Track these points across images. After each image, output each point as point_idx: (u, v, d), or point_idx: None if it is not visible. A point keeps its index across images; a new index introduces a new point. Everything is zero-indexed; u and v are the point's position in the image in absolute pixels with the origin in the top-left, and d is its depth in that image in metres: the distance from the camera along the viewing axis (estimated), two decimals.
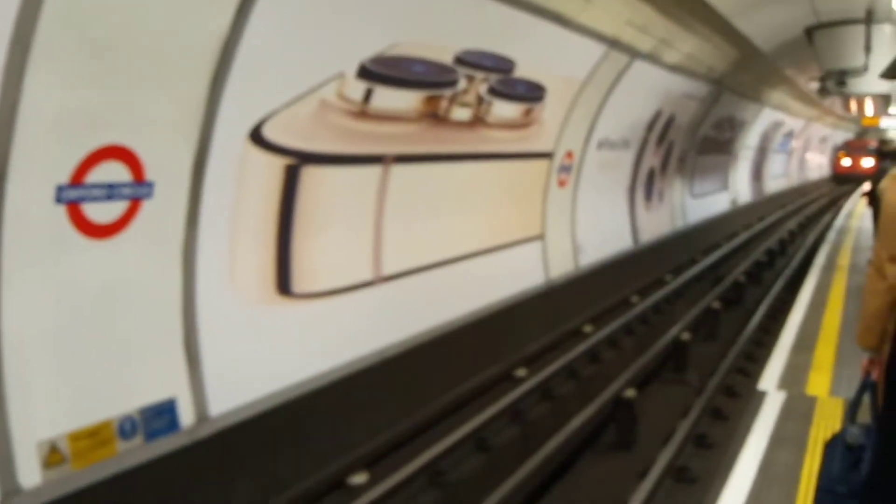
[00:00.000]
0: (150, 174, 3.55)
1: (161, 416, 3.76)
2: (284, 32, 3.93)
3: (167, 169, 3.65)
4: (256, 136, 4.11)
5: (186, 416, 3.88)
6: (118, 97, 3.31)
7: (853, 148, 33.28)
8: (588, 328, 8.21)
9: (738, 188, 18.66)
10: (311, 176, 4.63)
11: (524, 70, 6.21)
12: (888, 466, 1.30)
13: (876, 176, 9.61)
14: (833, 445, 2.15)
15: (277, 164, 4.36)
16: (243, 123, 4.01)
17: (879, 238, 2.70)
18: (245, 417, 4.16)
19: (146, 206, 3.58)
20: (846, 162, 33.39)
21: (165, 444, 3.73)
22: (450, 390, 5.95)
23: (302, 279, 4.73)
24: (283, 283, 4.60)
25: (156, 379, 3.76)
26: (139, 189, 3.53)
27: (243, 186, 4.14)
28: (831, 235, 13.00)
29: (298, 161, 4.50)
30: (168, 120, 3.59)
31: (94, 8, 3.05)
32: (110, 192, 3.40)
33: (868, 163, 30.33)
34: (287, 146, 4.36)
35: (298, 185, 4.54)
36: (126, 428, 3.59)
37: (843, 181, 33.30)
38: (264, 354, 4.44)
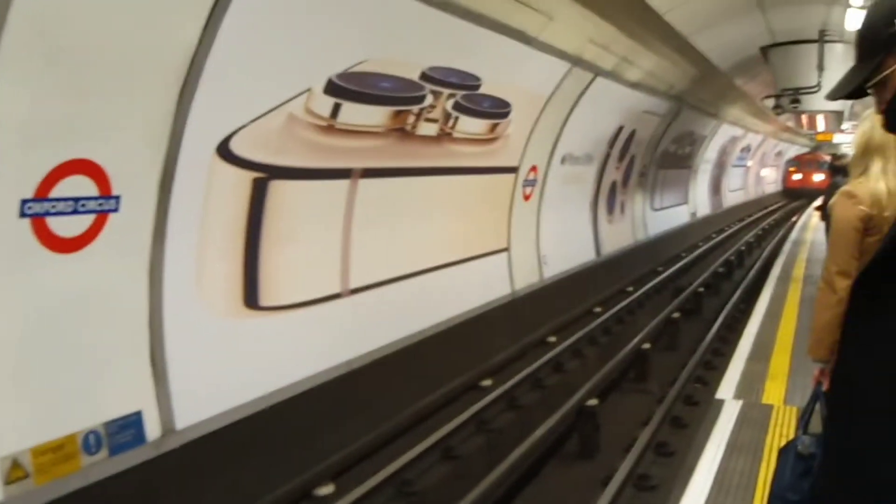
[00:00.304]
0: (116, 188, 3.55)
1: (126, 429, 3.74)
2: (253, 47, 3.98)
3: (134, 183, 3.65)
4: (224, 150, 4.13)
5: (152, 429, 3.87)
6: (85, 110, 3.31)
7: (804, 162, 32.70)
8: (552, 338, 8.34)
9: (698, 201, 19.06)
10: (280, 190, 4.67)
11: (489, 86, 6.33)
12: (829, 475, 1.39)
13: (829, 190, 9.94)
14: (786, 453, 2.24)
15: (245, 177, 4.38)
16: (211, 137, 4.03)
17: (829, 253, 2.77)
18: (212, 430, 4.17)
19: (113, 220, 3.57)
20: (797, 177, 32.72)
21: (131, 458, 3.71)
22: (417, 401, 6.00)
23: (269, 292, 4.75)
24: (251, 297, 4.61)
25: (122, 392, 3.74)
26: (105, 203, 3.52)
27: (211, 200, 4.16)
28: (786, 247, 13.36)
29: (266, 175, 4.53)
30: (135, 133, 3.59)
31: (61, 20, 3.05)
32: (76, 205, 3.39)
33: (819, 177, 29.76)
34: (255, 160, 4.39)
35: (266, 199, 4.57)
36: (91, 442, 3.57)
37: (795, 196, 32.61)
38: (231, 367, 4.45)
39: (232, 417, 4.34)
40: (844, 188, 2.79)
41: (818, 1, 8.88)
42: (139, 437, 3.80)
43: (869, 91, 1.42)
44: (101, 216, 3.52)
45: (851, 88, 1.43)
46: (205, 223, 4.16)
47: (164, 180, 3.78)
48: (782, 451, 2.24)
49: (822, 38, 10.53)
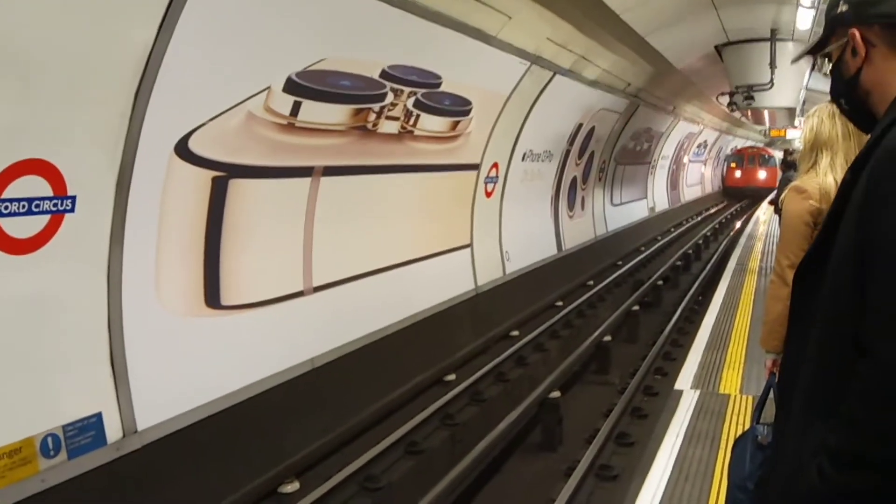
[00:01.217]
0: (72, 188, 3.50)
1: (86, 431, 3.70)
2: (210, 46, 3.95)
3: (90, 183, 3.61)
4: (182, 150, 4.10)
5: (113, 430, 3.83)
6: (38, 111, 3.26)
7: (747, 157, 29.03)
8: (515, 333, 8.44)
9: (656, 197, 19.40)
10: (240, 188, 4.65)
11: (450, 84, 6.38)
12: (775, 463, 1.46)
13: (781, 185, 10.20)
14: (742, 443, 2.30)
15: (204, 176, 4.36)
16: (169, 136, 4.00)
17: (780, 246, 2.86)
18: (175, 429, 4.14)
19: (68, 221, 3.53)
20: (738, 174, 29.00)
21: (91, 460, 3.67)
22: (382, 397, 6.03)
23: (231, 291, 4.73)
24: (212, 296, 4.59)
25: (81, 394, 3.70)
26: (60, 203, 3.48)
27: (169, 199, 4.12)
28: (742, 240, 13.69)
29: (226, 174, 4.51)
30: (90, 133, 3.55)
31: (12, 22, 3.01)
32: (30, 206, 3.34)
33: (764, 175, 27.77)
34: (214, 159, 4.37)
35: (227, 198, 4.55)
36: (49, 445, 3.52)
37: (737, 197, 29.00)
38: (194, 366, 4.42)
39: (195, 417, 4.32)
40: (794, 183, 2.88)
41: (769, 0, 9.11)
42: (99, 439, 3.76)
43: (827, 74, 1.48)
44: (57, 217, 3.47)
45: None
46: (164, 222, 4.12)
47: (122, 180, 3.74)
48: (738, 441, 2.30)
49: (773, 37, 10.79)
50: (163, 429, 4.09)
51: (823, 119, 2.84)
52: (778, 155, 28.55)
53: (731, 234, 18.53)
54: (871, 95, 1.35)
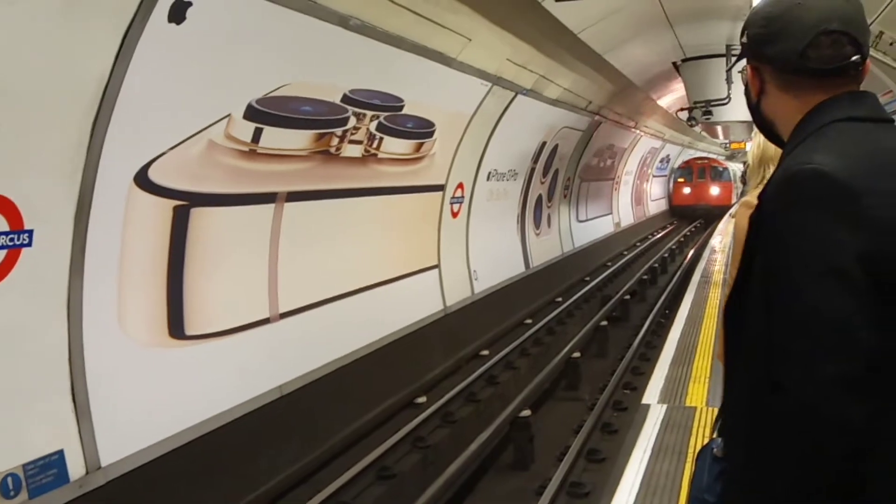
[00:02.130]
0: (28, 222, 3.45)
1: (48, 469, 3.62)
2: (168, 75, 3.94)
3: (48, 216, 3.55)
4: (143, 179, 4.07)
5: (76, 467, 3.75)
6: None
7: (696, 171, 25.68)
8: (485, 352, 8.45)
9: (622, 212, 19.65)
10: (202, 216, 4.62)
11: (412, 107, 6.43)
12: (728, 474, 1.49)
13: (740, 198, 10.40)
14: (703, 455, 2.33)
15: (166, 206, 4.32)
16: (128, 167, 3.97)
17: (732, 261, 2.97)
18: (140, 463, 4.07)
19: (26, 255, 3.47)
20: (686, 190, 25.58)
21: (53, 499, 3.59)
22: (352, 422, 5.99)
23: (196, 320, 4.68)
24: (176, 326, 4.53)
25: (42, 432, 3.62)
26: (17, 238, 3.42)
27: (130, 230, 4.08)
28: (706, 253, 13.91)
29: (188, 202, 4.47)
30: (47, 165, 3.51)
31: None
32: None
33: (716, 191, 25.10)
34: (175, 188, 4.34)
35: (189, 227, 4.51)
36: (9, 485, 3.43)
37: (688, 217, 25.54)
38: (159, 398, 4.35)
39: (162, 449, 4.25)
40: (744, 198, 2.97)
41: (723, 17, 9.36)
42: (62, 477, 3.67)
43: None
44: (14, 251, 3.41)
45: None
46: (125, 254, 4.08)
47: (80, 212, 3.69)
48: (700, 454, 2.33)
49: (728, 52, 11.08)
50: (128, 463, 4.02)
51: None
52: (735, 168, 27.71)
53: (697, 246, 18.80)
54: (775, 125, 1.40)
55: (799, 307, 1.10)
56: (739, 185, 25.09)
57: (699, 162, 26.04)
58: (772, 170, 2.91)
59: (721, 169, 25.73)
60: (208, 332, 4.81)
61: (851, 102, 1.28)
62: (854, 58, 1.27)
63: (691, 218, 25.21)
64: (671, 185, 26.36)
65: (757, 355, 1.20)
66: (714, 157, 27.30)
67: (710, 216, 23.74)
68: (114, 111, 3.65)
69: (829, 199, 1.12)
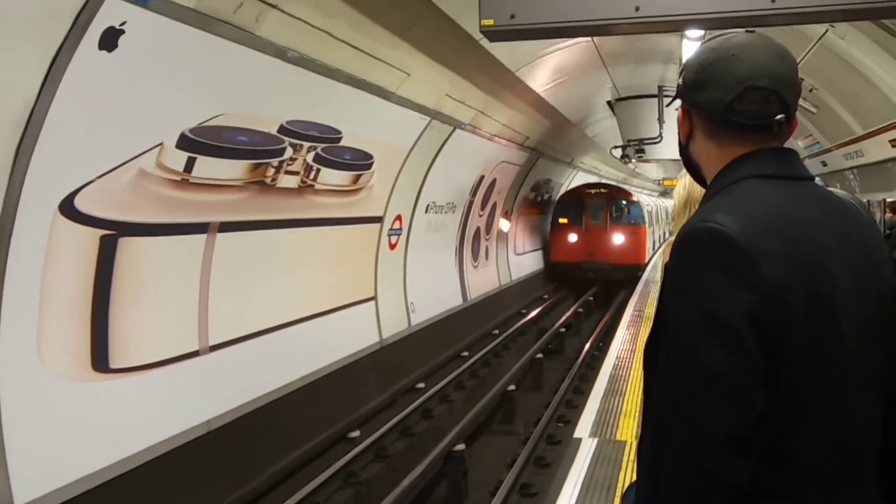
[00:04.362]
0: None
1: None
2: (98, 103, 3.86)
3: None
4: (68, 208, 3.96)
5: None
6: None
7: (588, 204, 16.52)
8: (421, 385, 8.42)
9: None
10: (130, 246, 4.50)
11: (350, 139, 6.45)
12: None
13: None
14: (630, 491, 2.37)
15: (92, 235, 4.20)
16: (53, 194, 3.85)
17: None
18: (58, 503, 3.88)
19: None
20: (572, 238, 16.46)
21: None
22: (283, 457, 5.86)
23: (121, 353, 4.53)
24: (100, 359, 4.38)
25: None
26: None
27: (53, 260, 3.94)
28: (639, 287, 14.25)
29: (116, 232, 4.36)
30: None
31: None
32: None
33: (622, 239, 16.25)
34: (102, 217, 4.22)
35: (116, 257, 4.39)
36: None
37: (572, 281, 16.46)
38: (81, 434, 4.18)
39: (82, 487, 4.08)
40: (670, 239, 3.08)
41: (655, 60, 9.75)
42: None
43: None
44: None
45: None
46: (46, 284, 3.93)
47: (0, 241, 3.56)
48: (627, 491, 2.36)
49: (661, 93, 11.51)
50: (44, 503, 3.83)
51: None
52: (663, 204, 23.85)
53: (631, 281, 19.17)
54: (700, 168, 1.43)
55: (689, 364, 1.14)
56: (663, 229, 22.28)
57: (592, 192, 16.80)
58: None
59: (625, 203, 16.71)
60: (134, 366, 4.66)
61: (769, 159, 1.30)
62: (778, 116, 1.28)
63: (583, 282, 16.40)
64: (548, 229, 17.07)
65: (654, 402, 1.25)
66: (614, 183, 19.30)
67: (611, 281, 15.90)
68: (39, 137, 3.56)
69: (722, 258, 1.15)
